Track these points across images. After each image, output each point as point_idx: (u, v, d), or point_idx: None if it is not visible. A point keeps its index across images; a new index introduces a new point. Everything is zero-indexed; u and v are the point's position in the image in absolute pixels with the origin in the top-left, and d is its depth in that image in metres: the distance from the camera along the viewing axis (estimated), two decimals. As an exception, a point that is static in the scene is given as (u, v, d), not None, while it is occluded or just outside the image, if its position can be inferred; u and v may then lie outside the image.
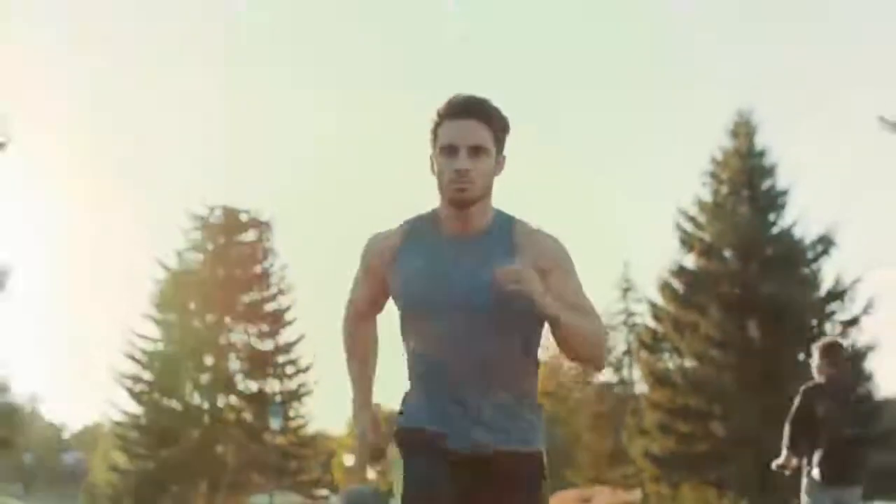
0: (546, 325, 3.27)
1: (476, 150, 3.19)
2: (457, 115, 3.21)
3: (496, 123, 3.25)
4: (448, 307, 3.21)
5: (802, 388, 7.31)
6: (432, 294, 3.23)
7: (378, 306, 3.50)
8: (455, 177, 3.17)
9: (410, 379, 3.37)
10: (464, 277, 3.22)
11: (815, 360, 7.32)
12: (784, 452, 7.27)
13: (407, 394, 3.38)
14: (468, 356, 3.22)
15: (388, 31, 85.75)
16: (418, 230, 3.34)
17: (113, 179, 75.90)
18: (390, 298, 3.42)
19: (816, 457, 7.08)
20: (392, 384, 3.83)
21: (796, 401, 7.28)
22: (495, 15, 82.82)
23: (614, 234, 71.05)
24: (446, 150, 3.20)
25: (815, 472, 7.08)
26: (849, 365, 7.98)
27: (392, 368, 3.61)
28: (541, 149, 70.90)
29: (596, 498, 36.74)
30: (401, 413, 3.36)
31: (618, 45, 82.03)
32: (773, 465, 7.39)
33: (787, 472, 7.43)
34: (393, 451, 3.33)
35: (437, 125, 3.25)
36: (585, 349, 3.20)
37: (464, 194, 3.19)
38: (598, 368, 3.39)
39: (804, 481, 7.25)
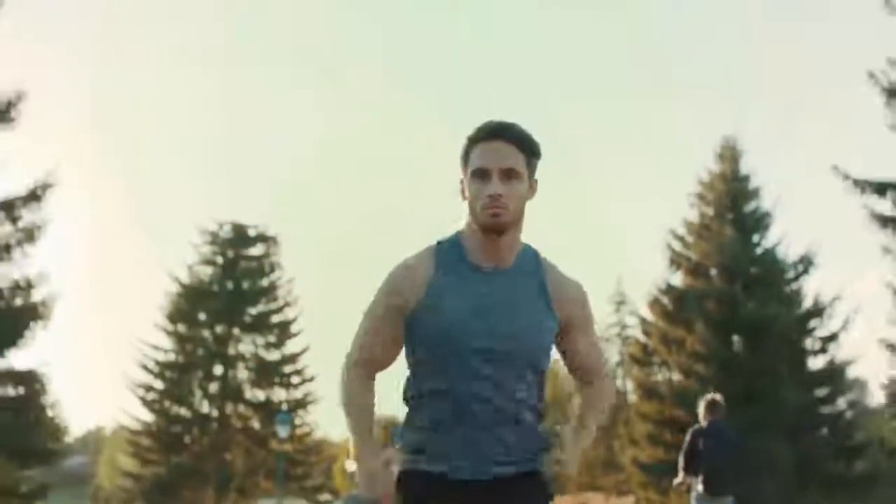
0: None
1: (508, 174, 3.19)
2: (488, 138, 3.21)
3: (528, 147, 3.24)
4: (492, 347, 3.19)
5: (690, 430, 10.16)
6: (474, 332, 3.19)
7: (395, 353, 3.40)
8: (488, 202, 3.17)
9: (418, 417, 3.31)
10: (507, 318, 3.21)
11: (701, 411, 10.14)
12: (681, 474, 10.05)
13: (410, 431, 3.35)
14: (503, 394, 3.21)
15: (412, 63, 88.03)
16: (447, 260, 3.30)
17: (126, 195, 78.27)
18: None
19: (700, 477, 9.90)
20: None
21: (686, 438, 10.10)
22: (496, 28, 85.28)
23: (610, 249, 73.84)
24: (478, 175, 3.20)
25: (700, 487, 9.92)
26: (724, 413, 10.75)
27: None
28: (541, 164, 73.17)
29: (590, 503, 39.33)
30: (404, 452, 3.35)
31: (617, 61, 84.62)
32: (674, 482, 10.27)
33: (683, 488, 10.22)
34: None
35: (468, 149, 3.24)
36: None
37: (498, 219, 3.18)
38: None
39: (693, 493, 10.03)
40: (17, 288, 20.44)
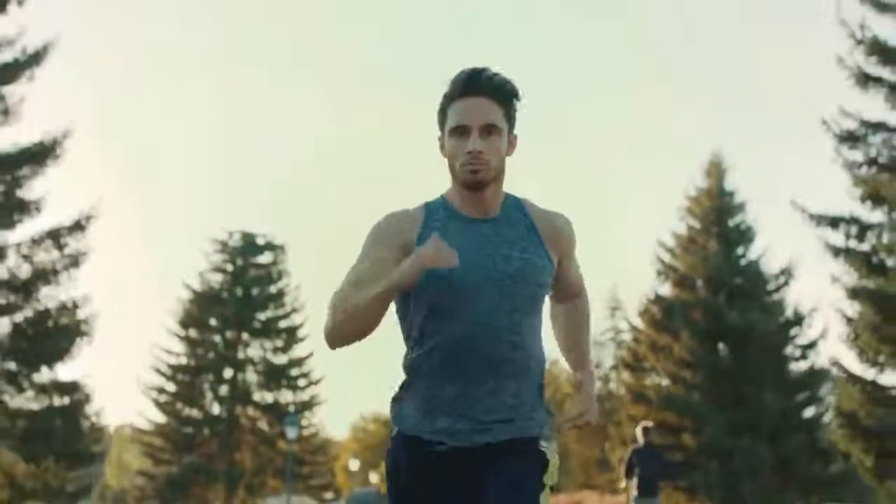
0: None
1: (488, 130, 3.18)
2: (465, 93, 3.21)
3: (507, 99, 3.24)
4: (486, 289, 3.19)
5: (630, 448, 13.88)
6: (471, 273, 3.18)
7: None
8: (468, 158, 3.17)
9: (420, 375, 3.26)
10: (499, 257, 3.22)
11: (638, 434, 13.58)
12: (624, 481, 13.43)
13: (406, 394, 3.31)
14: (503, 342, 3.19)
15: (414, 64, 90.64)
16: (435, 213, 3.31)
17: (135, 202, 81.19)
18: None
19: (634, 483, 13.25)
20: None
21: (626, 455, 13.62)
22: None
23: (607, 255, 77.16)
24: (457, 132, 3.19)
25: (635, 491, 13.27)
26: (654, 437, 14.45)
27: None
28: (540, 160, 76.35)
29: (585, 501, 42.32)
30: (397, 416, 3.31)
31: (616, 65, 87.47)
32: (620, 486, 13.91)
33: (622, 490, 13.68)
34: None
35: (445, 105, 3.25)
36: None
37: (478, 176, 3.18)
38: None
39: (631, 494, 13.47)
40: (63, 308, 23.59)
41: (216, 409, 44.57)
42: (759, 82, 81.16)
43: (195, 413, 44.38)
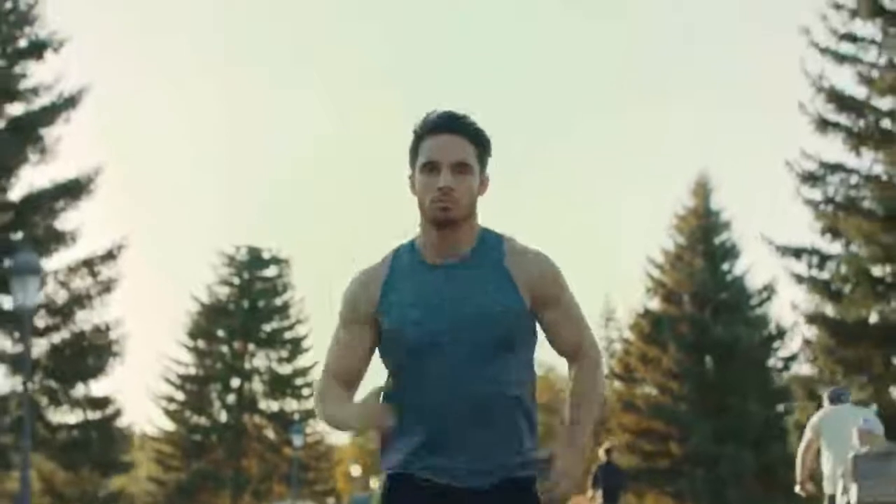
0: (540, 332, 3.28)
1: (459, 167, 3.16)
2: (437, 130, 3.19)
3: (479, 141, 3.22)
4: (446, 342, 3.15)
5: (596, 464, 17.16)
6: (428, 331, 3.16)
7: (366, 363, 3.33)
8: (438, 195, 3.14)
9: (400, 427, 3.21)
10: (461, 307, 3.16)
11: (601, 454, 16.82)
12: (590, 491, 16.61)
13: (391, 447, 3.29)
14: (469, 392, 3.15)
15: (411, 70, 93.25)
16: (402, 263, 3.27)
17: (143, 213, 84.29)
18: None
19: (600, 492, 16.40)
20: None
21: (594, 470, 16.80)
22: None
23: (601, 265, 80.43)
24: (427, 168, 3.18)
25: (599, 494, 16.42)
26: (615, 456, 18.19)
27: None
28: (534, 173, 79.36)
29: (579, 506, 45.43)
30: (389, 463, 3.28)
31: (612, 73, 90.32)
32: (587, 495, 16.88)
33: (590, 498, 16.72)
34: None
35: (417, 143, 3.22)
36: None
37: (448, 213, 3.15)
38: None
39: (598, 501, 16.63)
40: (97, 331, 26.57)
41: (223, 417, 47.25)
42: (755, 87, 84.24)
43: (203, 421, 47.00)
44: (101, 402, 27.10)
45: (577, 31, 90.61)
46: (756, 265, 43.98)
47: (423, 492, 3.24)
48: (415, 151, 3.25)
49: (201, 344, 47.72)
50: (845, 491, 9.17)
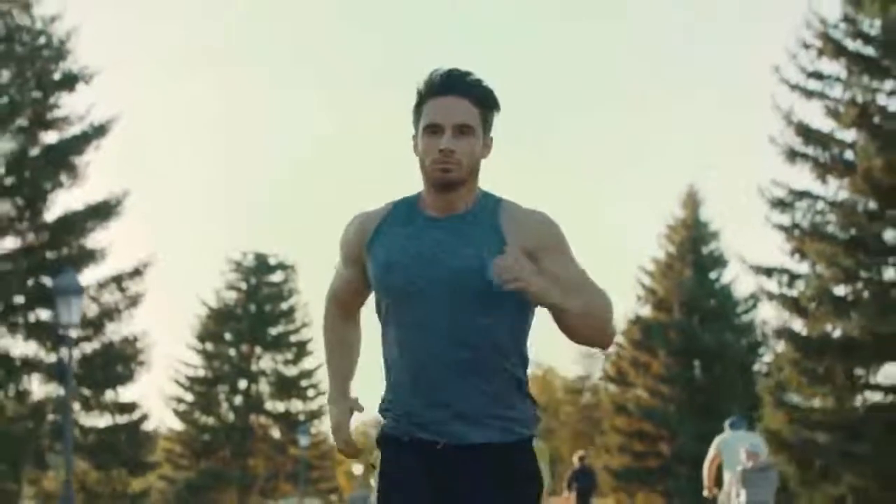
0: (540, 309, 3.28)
1: (461, 129, 3.23)
2: (440, 91, 3.27)
3: (483, 100, 3.29)
4: (430, 290, 3.24)
5: (571, 470, 20.34)
6: (412, 276, 3.26)
7: (361, 297, 3.54)
8: (439, 157, 3.22)
9: (387, 374, 3.38)
10: (447, 258, 3.25)
11: (575, 459, 19.98)
12: (566, 492, 19.72)
13: (385, 392, 3.39)
14: (451, 343, 3.23)
15: (408, 70, 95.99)
16: (399, 211, 3.38)
17: (163, 227, 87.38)
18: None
19: (574, 493, 19.55)
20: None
21: (569, 473, 19.94)
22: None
23: (595, 274, 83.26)
24: (429, 130, 3.25)
25: (574, 496, 19.57)
26: (587, 462, 21.13)
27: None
28: (527, 176, 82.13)
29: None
30: (381, 411, 3.39)
31: (610, 75, 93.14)
32: (563, 496, 19.99)
33: (566, 498, 19.83)
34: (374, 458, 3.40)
35: (420, 103, 3.31)
36: (590, 333, 3.26)
37: (448, 175, 3.24)
38: (606, 347, 3.39)
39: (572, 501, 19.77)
40: (125, 341, 29.67)
41: (231, 417, 49.85)
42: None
43: (211, 421, 49.66)
44: (128, 407, 30.26)
45: (577, 31, 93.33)
46: (742, 274, 46.93)
47: (412, 450, 3.30)
48: (418, 112, 3.33)
49: (210, 347, 50.35)
50: (738, 495, 12.68)
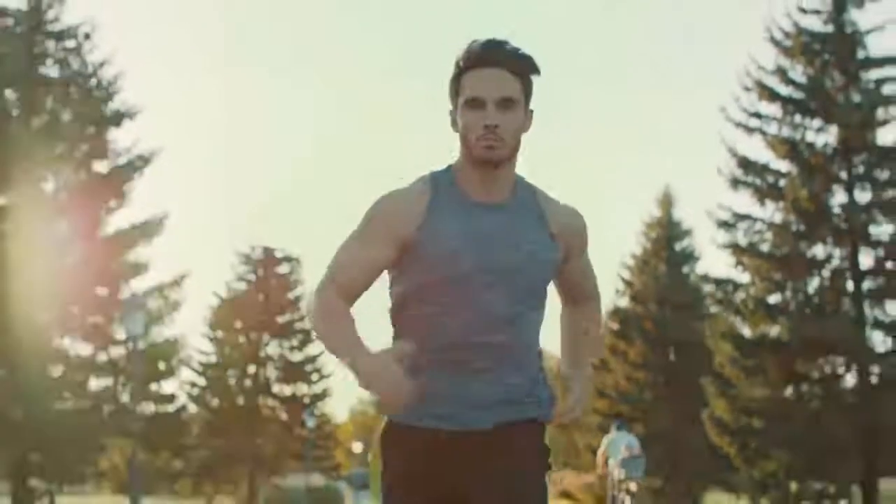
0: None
1: (505, 104, 3.33)
2: (483, 63, 3.34)
3: (525, 71, 3.40)
4: (488, 277, 3.38)
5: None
6: (477, 258, 3.37)
7: (373, 281, 3.55)
8: (484, 133, 3.30)
9: (413, 362, 3.39)
10: (505, 248, 3.39)
11: None
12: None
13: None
14: (505, 325, 3.41)
15: (406, 56, 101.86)
16: (442, 192, 3.46)
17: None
18: (392, 270, 3.54)
19: None
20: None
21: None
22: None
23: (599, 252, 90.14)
24: (471, 104, 3.33)
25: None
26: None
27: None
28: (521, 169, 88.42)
29: (565, 479, 55.47)
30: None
31: (611, 74, 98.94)
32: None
33: None
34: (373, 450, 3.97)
35: (459, 76, 3.38)
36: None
37: (494, 152, 3.33)
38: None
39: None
40: (166, 342, 36.89)
41: (241, 400, 55.07)
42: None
43: (223, 404, 55.15)
44: (169, 398, 37.57)
45: (575, 31, 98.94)
46: (712, 269, 54.09)
47: (424, 440, 3.46)
48: (456, 86, 3.41)
49: (220, 334, 55.71)
50: (619, 474, 20.41)
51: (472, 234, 3.42)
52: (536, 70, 3.44)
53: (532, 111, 3.46)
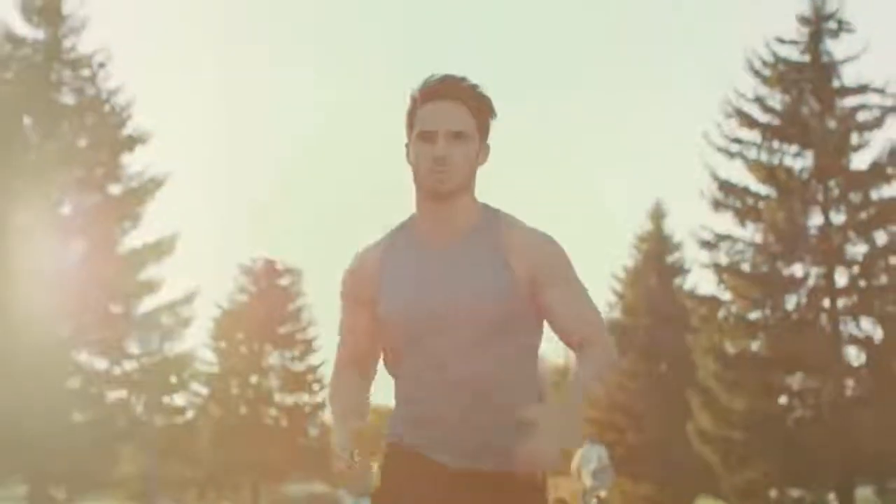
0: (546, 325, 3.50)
1: (456, 136, 3.34)
2: (434, 97, 3.37)
3: (479, 106, 3.42)
4: (442, 325, 3.37)
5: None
6: (419, 313, 3.39)
7: (371, 349, 3.63)
8: (432, 165, 3.32)
9: (401, 410, 3.53)
10: (451, 289, 3.37)
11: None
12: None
13: (394, 419, 3.55)
14: (465, 370, 3.36)
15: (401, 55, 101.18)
16: (397, 243, 3.50)
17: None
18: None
19: None
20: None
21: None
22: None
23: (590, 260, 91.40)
24: (423, 137, 3.36)
25: None
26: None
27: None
28: (514, 172, 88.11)
29: (560, 486, 57.90)
30: (388, 427, 3.54)
31: (607, 77, 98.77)
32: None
33: None
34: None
35: (413, 109, 3.40)
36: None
37: (442, 185, 3.34)
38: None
39: None
40: (179, 356, 39.44)
41: (243, 409, 57.02)
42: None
43: (226, 414, 56.80)
44: (180, 410, 40.25)
45: (574, 30, 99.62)
46: (701, 282, 56.66)
47: (420, 467, 3.43)
48: (411, 118, 3.44)
49: (223, 344, 57.58)
50: (591, 483, 23.02)
51: (417, 281, 3.46)
52: (492, 111, 3.49)
53: (489, 146, 3.49)
